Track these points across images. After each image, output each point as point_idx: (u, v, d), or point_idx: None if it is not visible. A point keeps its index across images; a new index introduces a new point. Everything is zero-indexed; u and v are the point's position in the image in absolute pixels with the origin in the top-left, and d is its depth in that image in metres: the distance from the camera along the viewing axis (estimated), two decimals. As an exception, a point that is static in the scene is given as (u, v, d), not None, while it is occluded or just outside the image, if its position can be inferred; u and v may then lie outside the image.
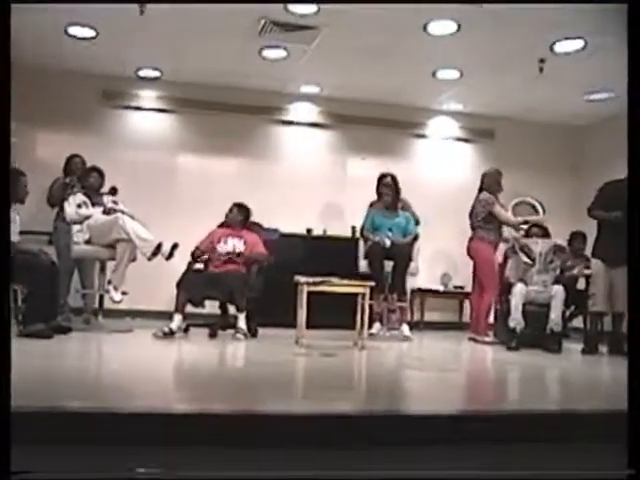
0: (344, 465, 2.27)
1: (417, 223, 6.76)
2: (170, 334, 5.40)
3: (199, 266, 6.12)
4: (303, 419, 2.51)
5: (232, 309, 5.96)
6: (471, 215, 6.69)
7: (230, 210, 6.24)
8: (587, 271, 6.96)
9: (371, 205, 6.93)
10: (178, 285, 5.70)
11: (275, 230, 7.23)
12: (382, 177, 6.91)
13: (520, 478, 2.09)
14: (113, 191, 6.19)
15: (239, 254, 6.00)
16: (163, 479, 2.02)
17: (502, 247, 6.74)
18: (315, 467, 2.23)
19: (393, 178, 6.78)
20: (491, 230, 6.56)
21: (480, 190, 6.75)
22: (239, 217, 6.23)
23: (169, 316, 5.60)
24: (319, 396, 3.20)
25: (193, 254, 6.10)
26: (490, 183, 6.74)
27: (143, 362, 4.28)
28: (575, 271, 6.93)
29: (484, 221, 6.56)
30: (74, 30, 6.23)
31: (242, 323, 5.67)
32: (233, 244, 6.04)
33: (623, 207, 5.59)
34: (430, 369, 4.64)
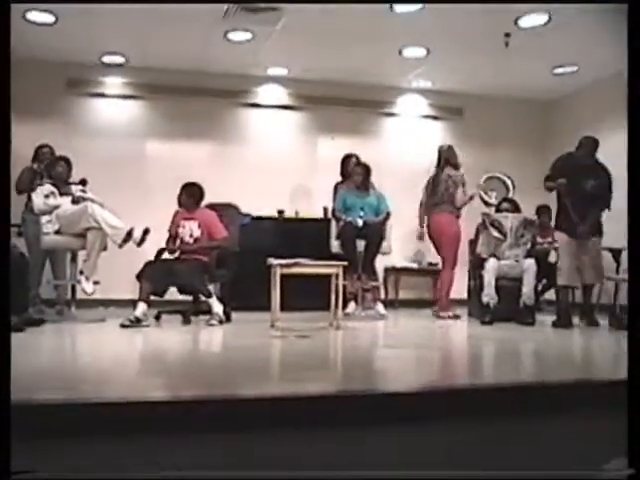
0: (321, 446, 2.28)
1: None
2: (136, 322, 5.28)
3: (167, 256, 6.04)
4: (280, 401, 2.52)
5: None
6: (435, 191, 6.63)
7: (180, 193, 6.05)
8: (557, 244, 7.05)
9: (337, 186, 6.96)
10: (138, 277, 5.59)
11: (246, 214, 7.20)
12: (347, 158, 6.96)
13: (519, 477, 2.11)
14: (83, 183, 6.10)
15: (196, 240, 5.89)
16: (163, 479, 2.02)
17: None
18: (292, 448, 2.24)
19: (358, 158, 6.84)
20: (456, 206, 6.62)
21: (443, 165, 6.74)
22: (189, 199, 6.02)
23: (134, 305, 5.53)
24: (295, 378, 3.20)
25: (167, 243, 6.00)
26: (454, 157, 6.77)
27: (116, 351, 4.25)
28: (545, 244, 7.01)
29: (452, 196, 6.58)
30: (32, 15, 6.10)
31: (216, 308, 5.62)
32: (190, 228, 5.92)
33: (571, 177, 5.73)
34: (406, 347, 4.66)
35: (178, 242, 5.96)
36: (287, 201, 7.77)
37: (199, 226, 5.92)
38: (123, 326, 5.21)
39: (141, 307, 5.42)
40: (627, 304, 2.79)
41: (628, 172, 2.54)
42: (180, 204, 6.07)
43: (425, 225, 6.73)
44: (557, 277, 5.98)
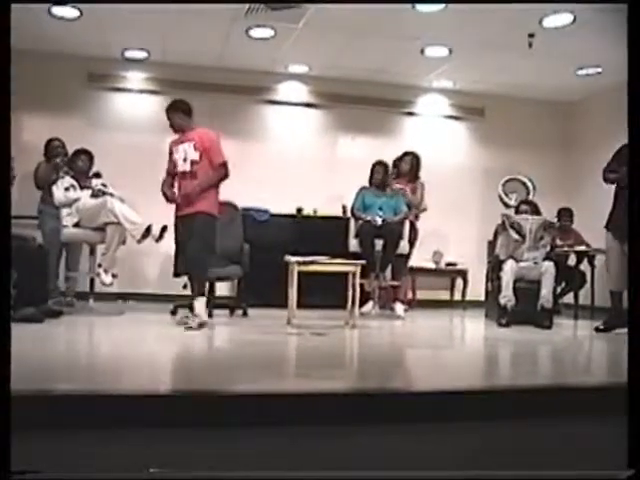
0: (335, 442, 2.27)
1: (409, 208, 6.73)
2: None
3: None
4: (295, 397, 2.52)
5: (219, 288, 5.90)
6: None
7: (167, 115, 5.14)
8: (578, 247, 6.99)
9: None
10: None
11: (265, 211, 7.23)
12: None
13: (520, 478, 2.10)
14: (96, 176, 6.13)
15: (193, 163, 4.91)
16: (163, 479, 2.02)
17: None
18: (307, 444, 2.24)
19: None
20: None
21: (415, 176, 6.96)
22: (176, 118, 5.04)
23: (155, 298, 5.53)
24: (310, 375, 3.20)
25: (163, 186, 5.22)
26: None
27: (134, 345, 4.27)
28: (565, 247, 6.95)
29: None
30: (58, 10, 6.14)
31: (198, 309, 4.83)
32: (184, 150, 4.94)
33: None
34: (421, 347, 4.66)
35: (175, 176, 5.15)
36: (306, 199, 7.76)
37: (195, 148, 4.93)
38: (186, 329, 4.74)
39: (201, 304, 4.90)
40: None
41: (628, 172, 2.51)
42: (172, 127, 5.17)
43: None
44: (607, 281, 5.70)
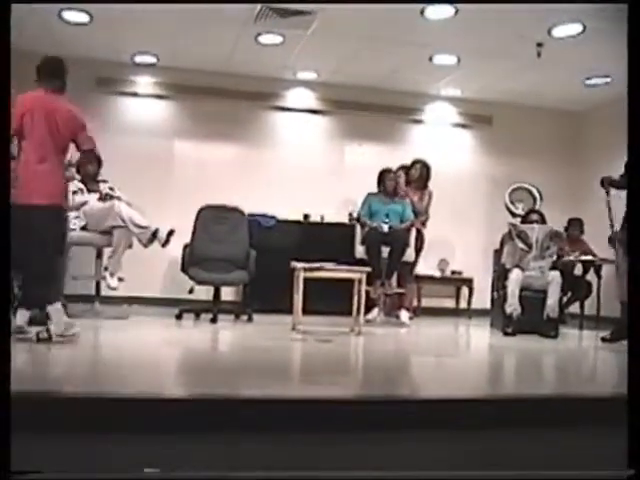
0: (339, 449, 2.27)
1: (415, 215, 6.74)
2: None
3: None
4: (299, 403, 2.52)
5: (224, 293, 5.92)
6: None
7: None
8: (584, 257, 6.97)
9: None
10: None
11: (272, 216, 7.23)
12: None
13: (520, 478, 2.09)
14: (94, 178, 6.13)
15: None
16: (163, 479, 2.02)
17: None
18: (310, 451, 2.24)
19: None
20: None
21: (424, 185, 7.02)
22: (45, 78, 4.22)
23: (161, 302, 5.54)
24: (315, 381, 3.20)
25: None
26: None
27: (138, 348, 4.27)
28: (572, 257, 6.92)
29: None
30: (68, 15, 6.17)
31: (55, 319, 3.90)
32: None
33: None
34: (426, 354, 4.65)
35: None
36: (313, 205, 7.76)
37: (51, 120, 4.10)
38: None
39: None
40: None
41: (628, 174, 2.51)
42: None
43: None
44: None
